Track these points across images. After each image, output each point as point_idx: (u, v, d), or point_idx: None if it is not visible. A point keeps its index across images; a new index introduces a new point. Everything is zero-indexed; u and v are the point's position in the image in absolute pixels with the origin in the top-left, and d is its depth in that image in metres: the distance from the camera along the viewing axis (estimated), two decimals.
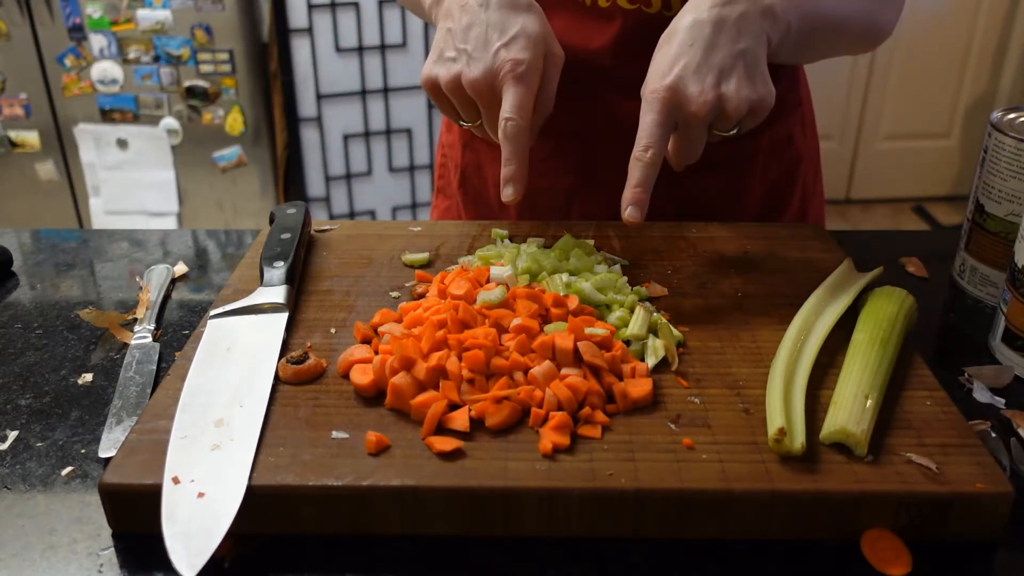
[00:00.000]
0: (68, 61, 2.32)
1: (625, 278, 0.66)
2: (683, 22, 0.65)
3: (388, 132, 2.54)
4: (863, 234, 0.90)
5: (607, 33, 0.78)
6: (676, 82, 0.62)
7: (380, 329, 0.60)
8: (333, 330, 0.62)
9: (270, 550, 0.47)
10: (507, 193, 0.66)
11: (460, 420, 0.51)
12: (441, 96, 0.70)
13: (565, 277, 0.64)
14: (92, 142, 2.40)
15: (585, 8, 0.78)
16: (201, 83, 2.35)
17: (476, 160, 0.92)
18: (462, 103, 0.70)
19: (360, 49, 2.42)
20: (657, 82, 0.63)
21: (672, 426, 0.52)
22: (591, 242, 0.72)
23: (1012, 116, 0.71)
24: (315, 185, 2.55)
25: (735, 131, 0.65)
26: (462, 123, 0.72)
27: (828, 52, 0.79)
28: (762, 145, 0.86)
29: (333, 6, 2.35)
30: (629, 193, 0.63)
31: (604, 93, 0.81)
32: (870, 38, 0.79)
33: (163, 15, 2.27)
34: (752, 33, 0.64)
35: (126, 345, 0.67)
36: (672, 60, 0.63)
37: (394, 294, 0.67)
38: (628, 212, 0.62)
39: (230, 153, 2.44)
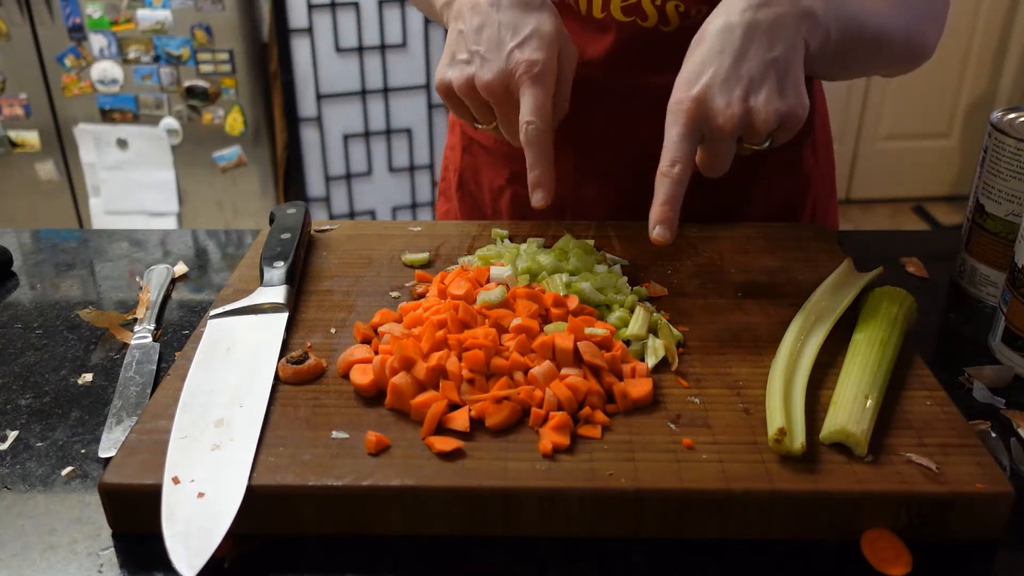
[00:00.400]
0: (68, 61, 2.32)
1: (625, 278, 0.66)
2: (714, 25, 0.61)
3: (388, 132, 2.54)
4: (863, 234, 0.90)
5: (602, 44, 0.77)
6: (702, 94, 0.59)
7: (380, 329, 0.60)
8: (333, 330, 0.62)
9: (270, 550, 0.47)
10: (536, 199, 0.65)
11: (460, 420, 0.51)
12: (455, 99, 0.69)
13: (565, 277, 0.64)
14: (92, 142, 2.40)
15: (581, 17, 0.77)
16: (201, 83, 2.35)
17: (473, 164, 0.92)
18: (476, 106, 0.68)
19: (360, 49, 2.42)
20: (683, 92, 0.60)
21: (672, 426, 0.52)
22: (591, 242, 0.72)
23: (1012, 116, 0.71)
24: (315, 185, 2.55)
25: (767, 144, 0.63)
26: (477, 126, 0.71)
27: (865, 68, 0.76)
28: (766, 168, 0.85)
29: (333, 6, 2.35)
30: (657, 211, 0.60)
31: (598, 104, 0.80)
32: (911, 54, 0.76)
33: (163, 15, 2.27)
34: (787, 39, 0.60)
35: (126, 345, 0.67)
36: (699, 69, 0.60)
37: (394, 294, 0.67)
38: (656, 232, 0.60)
39: (230, 153, 2.44)
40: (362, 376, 0.55)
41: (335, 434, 0.51)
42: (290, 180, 2.55)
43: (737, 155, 0.63)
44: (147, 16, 2.27)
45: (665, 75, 0.78)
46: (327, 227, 0.78)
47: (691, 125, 0.60)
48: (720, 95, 0.59)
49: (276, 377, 0.56)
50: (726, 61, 0.60)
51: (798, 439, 0.49)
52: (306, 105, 2.44)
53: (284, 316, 0.62)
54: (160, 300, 0.73)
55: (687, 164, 0.60)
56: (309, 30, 2.36)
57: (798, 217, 0.88)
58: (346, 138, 2.51)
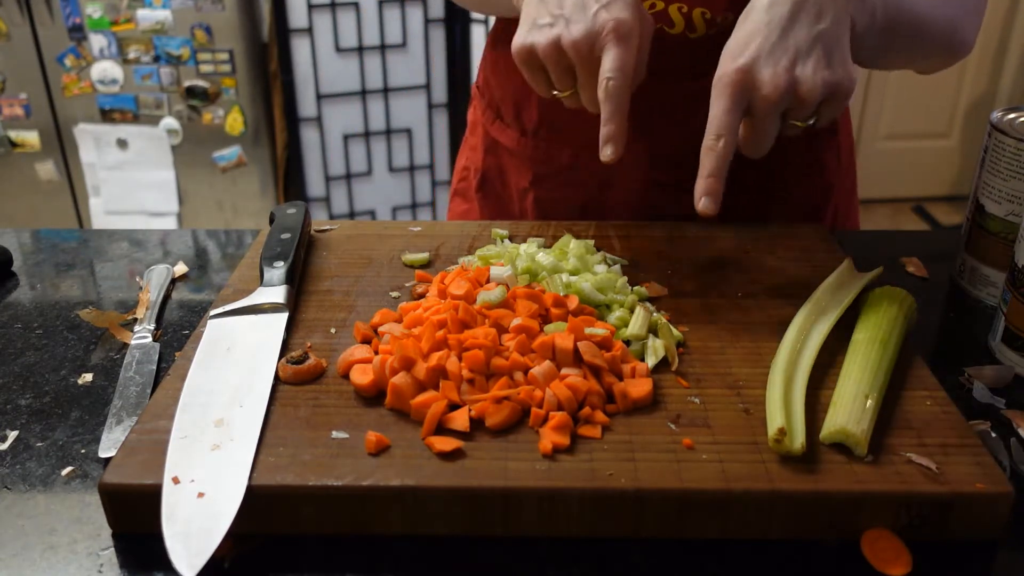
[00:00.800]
0: (68, 61, 2.32)
1: (625, 278, 0.66)
2: (761, 0, 0.62)
3: (388, 132, 2.54)
4: (863, 234, 0.90)
5: None
6: (748, 65, 0.59)
7: (380, 329, 0.60)
8: (333, 330, 0.62)
9: (270, 550, 0.47)
10: (606, 153, 0.65)
11: (460, 420, 0.51)
12: (535, 65, 0.68)
13: (565, 277, 0.64)
14: (92, 142, 2.40)
15: None
16: (201, 83, 2.34)
17: (498, 164, 0.93)
18: (558, 70, 0.68)
19: (360, 49, 2.42)
20: (728, 65, 0.60)
21: (672, 426, 0.52)
22: (591, 242, 0.72)
23: (1012, 116, 0.71)
24: (315, 185, 2.55)
25: (812, 120, 0.62)
26: (555, 93, 0.70)
27: (905, 58, 0.76)
28: (788, 170, 0.84)
29: (333, 6, 2.35)
30: (702, 183, 0.60)
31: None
32: (951, 47, 0.75)
33: (163, 15, 2.27)
34: (834, 12, 0.60)
35: (126, 345, 0.67)
36: (746, 41, 0.60)
37: (394, 294, 0.67)
38: (702, 203, 0.60)
39: (230, 153, 2.44)
40: (362, 376, 0.55)
41: (335, 434, 0.51)
42: (290, 180, 2.55)
43: (779, 138, 0.62)
44: (147, 16, 2.27)
45: (691, 82, 0.78)
46: (327, 227, 0.78)
47: (736, 97, 0.59)
48: (766, 66, 0.59)
49: (276, 377, 0.56)
50: (773, 33, 0.60)
51: (798, 439, 0.49)
52: (306, 105, 2.44)
53: (284, 316, 0.62)
54: (160, 300, 0.73)
55: (732, 137, 0.60)
56: (309, 30, 2.36)
57: (819, 222, 0.88)
58: (346, 138, 2.51)
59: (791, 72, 0.59)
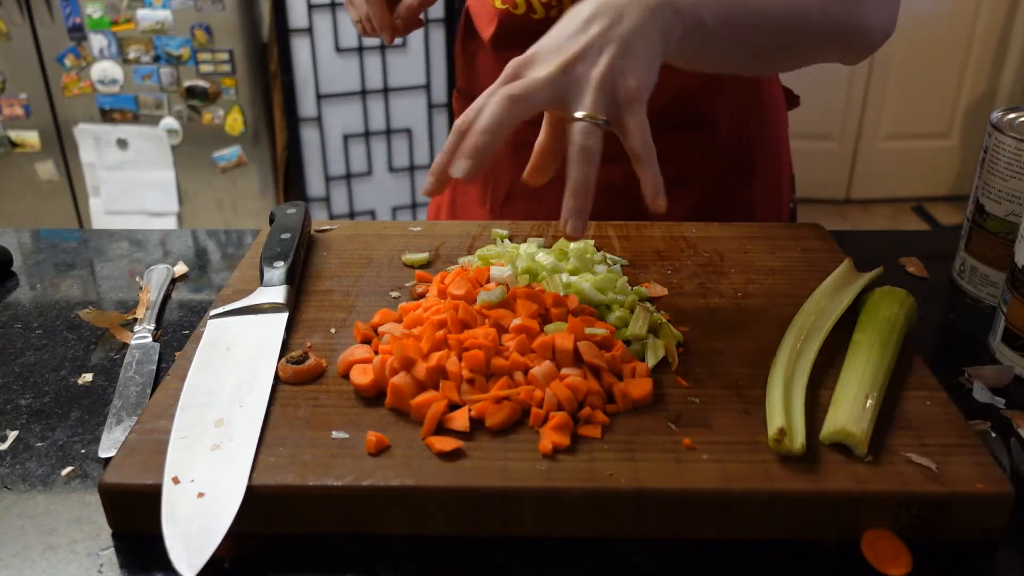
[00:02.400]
0: (68, 61, 2.32)
1: (625, 278, 0.66)
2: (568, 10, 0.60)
3: (388, 132, 2.54)
4: (863, 234, 0.90)
5: (491, 27, 0.86)
6: (525, 59, 0.57)
7: (380, 329, 0.60)
8: (333, 330, 0.62)
9: (270, 550, 0.47)
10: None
11: (460, 420, 0.51)
12: None
13: (565, 277, 0.64)
14: (92, 142, 2.40)
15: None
16: (201, 83, 2.34)
17: None
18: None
19: (360, 49, 2.42)
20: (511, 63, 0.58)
21: (672, 426, 0.52)
22: (591, 242, 0.72)
23: (1012, 116, 0.71)
24: (315, 185, 2.55)
25: (602, 120, 0.56)
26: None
27: (789, 56, 0.71)
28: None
29: (333, 6, 2.35)
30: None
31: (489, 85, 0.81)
32: (847, 38, 0.70)
33: (163, 15, 2.27)
34: (635, 21, 0.56)
35: (126, 345, 0.67)
36: (534, 47, 0.58)
37: (394, 294, 0.67)
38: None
39: (230, 153, 2.44)
40: (362, 376, 0.55)
41: (335, 434, 0.51)
42: (290, 180, 2.55)
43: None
44: (147, 16, 2.27)
45: None
46: (327, 227, 0.78)
47: (501, 81, 0.57)
48: (542, 61, 0.56)
49: (276, 377, 0.56)
50: (563, 34, 0.57)
51: (798, 439, 0.49)
52: (306, 105, 2.44)
53: (284, 316, 0.62)
54: (160, 300, 0.73)
55: (485, 126, 0.55)
56: (309, 30, 2.36)
57: None
58: (346, 138, 2.51)
59: (565, 68, 0.55)
